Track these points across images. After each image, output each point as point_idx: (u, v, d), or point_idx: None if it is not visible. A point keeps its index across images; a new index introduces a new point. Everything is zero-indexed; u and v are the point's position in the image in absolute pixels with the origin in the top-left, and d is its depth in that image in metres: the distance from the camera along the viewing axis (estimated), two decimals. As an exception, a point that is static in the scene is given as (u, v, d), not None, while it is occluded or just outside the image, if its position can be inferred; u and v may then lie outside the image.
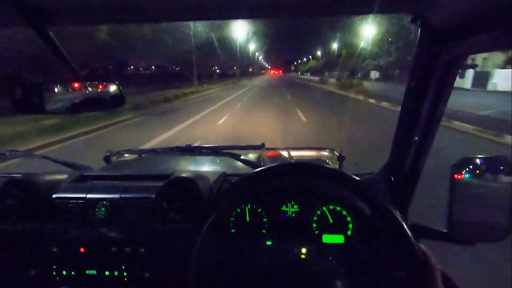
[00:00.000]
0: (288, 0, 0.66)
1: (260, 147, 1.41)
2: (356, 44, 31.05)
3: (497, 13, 0.52)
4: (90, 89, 0.95)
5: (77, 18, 0.74)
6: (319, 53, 72.86)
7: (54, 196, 0.94)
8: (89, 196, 0.94)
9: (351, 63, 35.45)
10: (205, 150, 1.20)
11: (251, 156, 1.46)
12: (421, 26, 0.72)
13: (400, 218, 0.64)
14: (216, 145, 1.31)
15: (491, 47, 0.60)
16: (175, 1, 0.66)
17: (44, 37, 0.73)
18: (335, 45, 48.30)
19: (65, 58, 0.75)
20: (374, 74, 33.20)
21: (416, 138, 0.87)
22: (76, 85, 0.92)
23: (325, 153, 1.58)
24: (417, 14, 0.70)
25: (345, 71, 36.19)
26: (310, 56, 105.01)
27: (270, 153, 1.56)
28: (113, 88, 0.93)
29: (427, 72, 0.76)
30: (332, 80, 32.23)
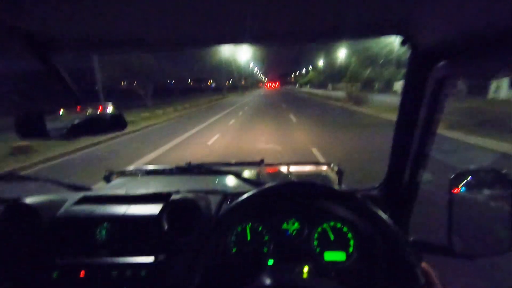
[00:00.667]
0: (283, 29, 0.68)
1: (259, 163, 1.42)
2: (370, 50, 26.01)
3: (484, 36, 0.55)
4: (90, 111, 0.95)
5: (80, 47, 0.77)
6: (320, 63, 63.10)
7: (54, 219, 0.94)
8: (89, 218, 0.94)
9: (364, 74, 29.23)
10: (205, 169, 1.20)
11: (251, 172, 1.47)
12: (411, 48, 0.75)
13: (400, 235, 0.64)
14: (216, 162, 1.32)
15: (479, 70, 0.62)
16: (175, 31, 0.69)
17: (48, 65, 0.75)
18: (341, 54, 40.93)
19: (68, 85, 0.77)
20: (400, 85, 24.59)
21: (412, 153, 0.88)
22: (77, 108, 0.93)
23: (324, 168, 1.59)
24: (406, 36, 0.73)
25: (355, 83, 28.63)
26: (310, 67, 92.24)
27: (269, 169, 1.56)
28: (114, 112, 0.94)
29: (418, 92, 0.79)
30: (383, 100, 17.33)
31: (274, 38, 0.73)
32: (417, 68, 0.77)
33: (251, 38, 0.70)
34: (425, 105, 0.78)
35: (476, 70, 0.61)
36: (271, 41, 0.75)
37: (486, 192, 0.77)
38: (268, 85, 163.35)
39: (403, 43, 0.74)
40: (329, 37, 0.73)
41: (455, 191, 0.74)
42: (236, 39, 0.73)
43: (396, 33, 0.73)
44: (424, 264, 0.62)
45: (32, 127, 0.87)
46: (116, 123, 0.94)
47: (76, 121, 0.93)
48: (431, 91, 0.75)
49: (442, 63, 0.69)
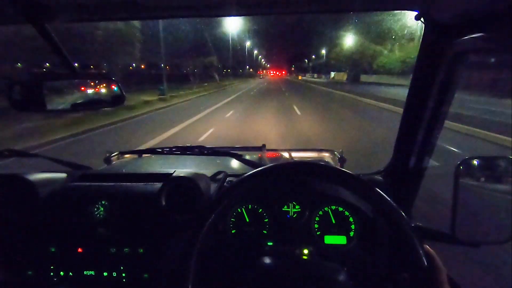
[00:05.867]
0: None
1: (261, 148, 1.40)
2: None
3: (503, 10, 0.52)
4: (95, 90, 0.97)
5: (76, 14, 0.74)
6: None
7: (52, 195, 0.93)
8: (87, 195, 0.93)
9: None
10: (205, 150, 1.19)
11: (252, 157, 1.46)
12: (426, 23, 0.71)
13: (404, 218, 0.63)
14: (217, 146, 1.30)
15: (497, 44, 0.59)
16: None
17: (43, 34, 0.72)
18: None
19: (64, 55, 0.75)
20: None
21: (420, 138, 0.85)
22: (82, 88, 0.94)
23: (326, 154, 1.57)
24: (421, 11, 0.69)
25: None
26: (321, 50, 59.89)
27: (271, 154, 1.55)
28: (113, 86, 0.92)
29: (431, 71, 0.75)
30: None
31: (282, 6, 0.69)
32: (432, 45, 0.73)
33: (254, 7, 0.67)
34: (437, 85, 0.75)
35: (496, 46, 0.58)
36: (278, 10, 0.71)
37: (492, 179, 0.75)
38: (271, 73, 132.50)
39: (417, 18, 0.70)
40: (339, 7, 0.69)
41: (462, 177, 0.72)
42: (235, 8, 0.69)
43: (412, 7, 0.69)
44: (427, 247, 0.61)
45: (30, 99, 0.85)
46: (115, 99, 0.93)
47: (79, 100, 0.94)
48: (446, 70, 0.71)
49: (459, 38, 0.65)
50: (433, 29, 0.71)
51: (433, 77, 0.75)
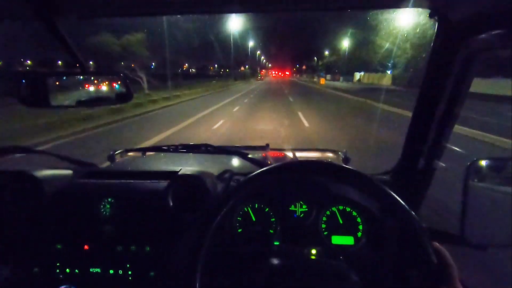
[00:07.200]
0: None
1: (265, 147, 1.39)
2: None
3: None
4: (101, 88, 0.96)
5: (85, 10, 0.73)
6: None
7: (58, 192, 0.93)
8: (94, 193, 0.93)
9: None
10: (211, 149, 1.18)
11: (256, 156, 1.45)
12: (439, 21, 0.70)
13: (414, 217, 0.63)
14: (221, 145, 1.30)
15: (511, 42, 0.58)
16: None
17: (52, 30, 0.72)
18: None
19: (73, 51, 0.74)
20: None
21: (430, 139, 0.84)
22: (86, 85, 0.94)
23: (330, 154, 1.56)
24: (434, 9, 0.68)
25: None
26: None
27: (275, 153, 1.54)
28: (114, 84, 0.93)
29: (443, 70, 0.74)
30: None
31: (290, 3, 0.68)
32: (445, 44, 0.72)
33: (266, 4, 0.66)
34: (449, 85, 0.74)
35: (508, 42, 0.57)
36: (286, 7, 0.70)
37: (503, 181, 0.74)
38: (272, 74, 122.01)
39: (430, 16, 0.69)
40: (350, 4, 0.68)
41: (472, 179, 0.72)
42: (248, 5, 0.68)
43: (425, 5, 0.68)
44: (436, 244, 0.60)
45: (37, 95, 0.85)
46: (122, 96, 0.93)
47: (84, 97, 0.94)
48: (459, 69, 0.70)
49: (473, 36, 0.64)
50: (446, 27, 0.70)
51: (445, 77, 0.74)
